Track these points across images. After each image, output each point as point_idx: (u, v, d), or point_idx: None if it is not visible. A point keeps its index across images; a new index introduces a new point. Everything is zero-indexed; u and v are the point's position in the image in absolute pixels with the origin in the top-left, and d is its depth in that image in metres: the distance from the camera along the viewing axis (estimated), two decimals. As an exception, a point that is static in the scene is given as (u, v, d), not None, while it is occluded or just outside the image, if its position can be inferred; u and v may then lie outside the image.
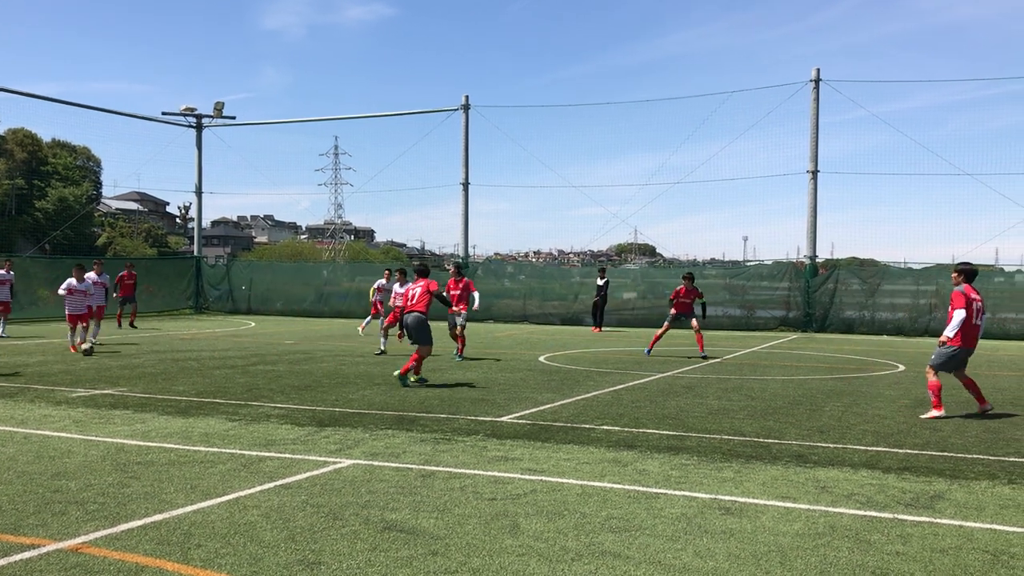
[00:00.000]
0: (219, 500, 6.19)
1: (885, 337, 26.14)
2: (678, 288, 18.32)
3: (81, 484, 6.62)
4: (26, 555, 4.93)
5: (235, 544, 5.18)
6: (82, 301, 17.95)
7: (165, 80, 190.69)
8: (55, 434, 8.71)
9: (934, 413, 10.34)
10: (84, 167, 69.84)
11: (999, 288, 28.46)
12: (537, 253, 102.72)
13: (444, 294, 14.01)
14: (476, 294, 17.72)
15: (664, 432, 9.17)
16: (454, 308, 15.96)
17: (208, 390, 12.11)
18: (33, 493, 6.33)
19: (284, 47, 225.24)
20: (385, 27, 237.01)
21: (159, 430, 9.00)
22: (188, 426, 9.27)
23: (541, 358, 17.46)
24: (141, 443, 8.30)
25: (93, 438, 8.52)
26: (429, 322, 13.06)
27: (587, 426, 9.50)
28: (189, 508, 5.97)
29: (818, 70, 28.75)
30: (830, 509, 6.18)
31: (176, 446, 8.17)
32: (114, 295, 25.11)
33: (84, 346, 17.14)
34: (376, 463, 7.50)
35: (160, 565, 4.80)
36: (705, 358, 17.51)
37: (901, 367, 16.62)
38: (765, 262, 32.09)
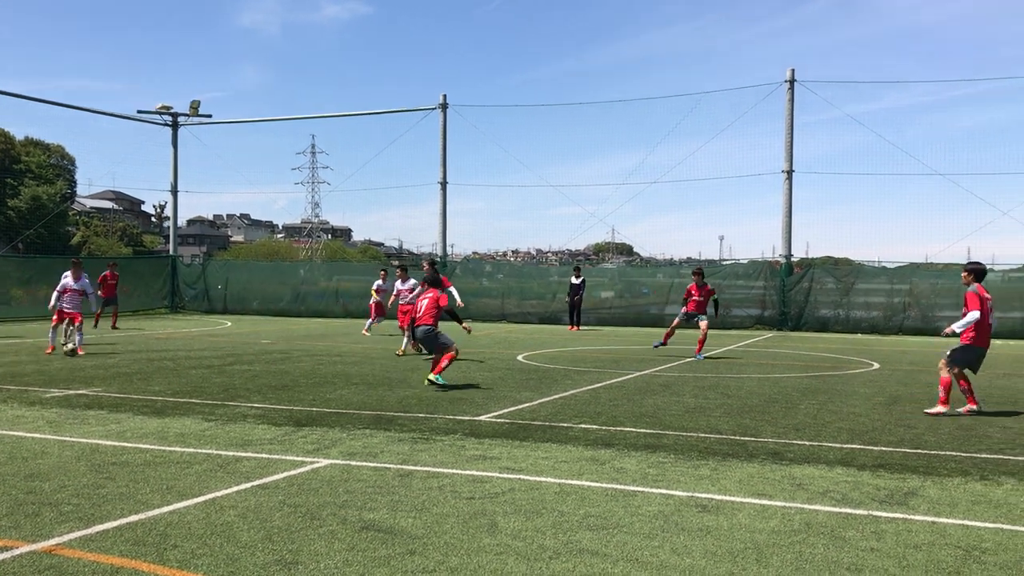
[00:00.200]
0: (195, 500, 6.15)
1: (859, 335, 26.38)
2: (689, 286, 18.10)
3: (55, 485, 6.55)
4: (-1, 557, 4.88)
5: (212, 545, 5.16)
6: (77, 300, 17.61)
7: (140, 78, 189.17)
8: (28, 435, 8.62)
9: (940, 409, 10.46)
10: (58, 165, 69.13)
11: (971, 287, 28.76)
12: (515, 252, 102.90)
13: (453, 303, 13.42)
14: (453, 289, 17.68)
15: (641, 430, 9.21)
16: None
17: (184, 390, 12.02)
18: (6, 495, 6.26)
19: (260, 45, 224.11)
20: (362, 25, 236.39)
21: (134, 430, 8.93)
22: (164, 426, 9.20)
23: (519, 357, 17.47)
24: (116, 443, 8.23)
25: (67, 439, 8.44)
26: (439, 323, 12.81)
27: (565, 425, 9.52)
28: (165, 509, 5.93)
29: (793, 71, 28.98)
30: (806, 506, 6.24)
31: (152, 446, 8.11)
32: (97, 293, 24.72)
33: (68, 346, 16.85)
34: (354, 463, 7.48)
35: (136, 566, 4.76)
36: (698, 359, 17.50)
37: (876, 365, 16.79)
38: (741, 261, 32.31)
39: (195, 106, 37.04)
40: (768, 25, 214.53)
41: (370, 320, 22.41)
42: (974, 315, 10.45)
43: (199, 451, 7.91)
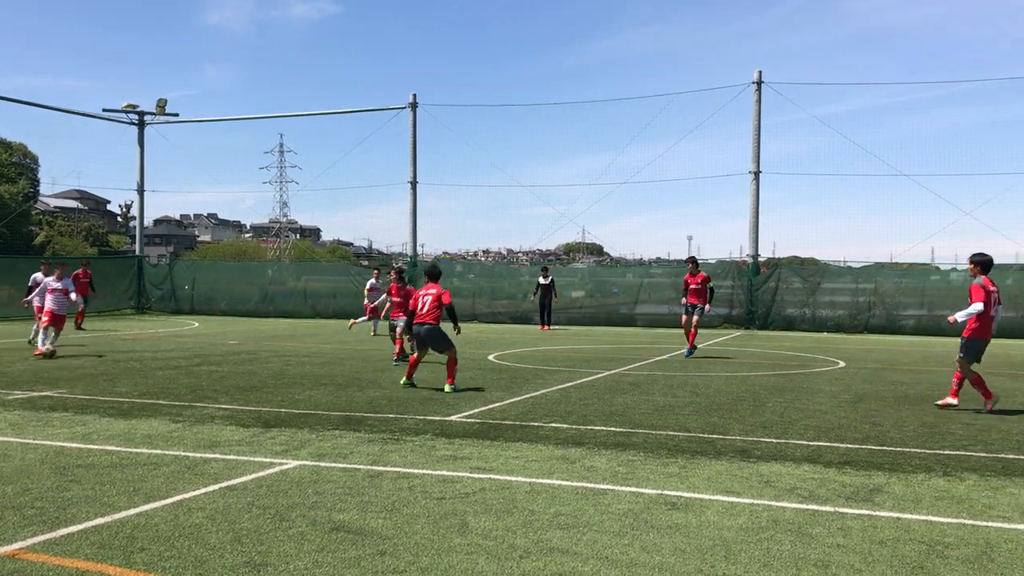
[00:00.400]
0: (163, 503, 6.10)
1: (825, 334, 26.67)
2: (685, 276, 18.26)
3: (18, 488, 6.46)
4: (-39, 562, 4.80)
5: (179, 547, 5.11)
6: (64, 301, 17.31)
7: (106, 76, 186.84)
8: (-9, 438, 8.48)
9: (950, 401, 10.79)
10: (20, 164, 67.99)
11: (935, 286, 29.26)
12: (486, 252, 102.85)
13: (451, 306, 12.47)
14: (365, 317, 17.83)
15: (611, 429, 9.26)
16: (396, 314, 16.04)
17: (151, 391, 11.89)
18: (-32, 498, 6.16)
19: (228, 43, 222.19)
20: (331, 24, 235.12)
21: (100, 432, 8.82)
22: (130, 428, 9.10)
23: (490, 357, 17.47)
24: (81, 446, 8.12)
25: (31, 441, 8.31)
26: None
27: (536, 424, 9.54)
28: (132, 511, 5.87)
29: (760, 72, 29.24)
30: (773, 503, 6.30)
31: (118, 448, 8.02)
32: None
33: (48, 348, 16.54)
34: (323, 464, 7.45)
35: (102, 569, 4.71)
36: (690, 353, 17.64)
37: (841, 363, 16.99)
38: (709, 261, 32.53)
39: (162, 105, 36.66)
40: (739, 26, 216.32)
41: (364, 318, 22.14)
42: (977, 306, 10.59)
43: (166, 453, 7.84)
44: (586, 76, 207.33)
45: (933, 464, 7.70)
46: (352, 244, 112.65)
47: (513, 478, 6.98)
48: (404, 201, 34.02)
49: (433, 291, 12.26)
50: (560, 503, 6.22)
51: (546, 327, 27.69)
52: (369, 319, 21.56)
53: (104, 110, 36.81)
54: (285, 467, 7.29)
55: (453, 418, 9.89)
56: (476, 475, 7.07)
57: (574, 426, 9.43)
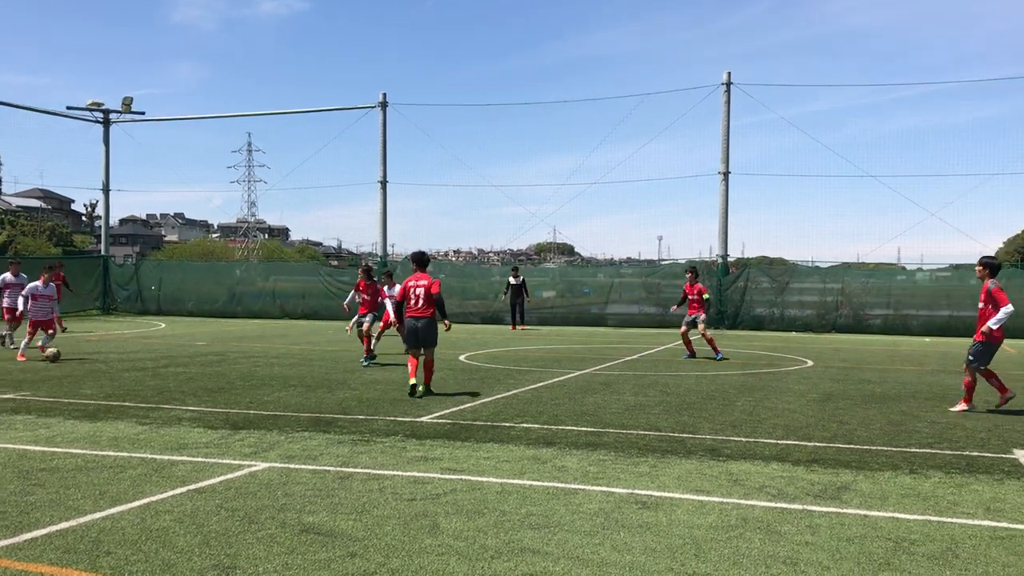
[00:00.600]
0: (129, 506, 6.02)
1: (794, 334, 26.92)
2: (685, 286, 18.18)
3: (-19, 493, 6.35)
4: (-79, 568, 4.71)
5: (146, 551, 5.05)
6: (49, 306, 16.93)
7: (70, 73, 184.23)
8: (-48, 441, 8.32)
9: (964, 407, 10.68)
10: (-19, 162, 66.86)
11: (901, 286, 29.63)
12: (457, 252, 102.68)
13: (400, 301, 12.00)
14: (388, 303, 17.58)
15: (582, 428, 9.27)
16: (363, 310, 15.98)
17: (117, 393, 11.74)
18: (-72, 503, 6.04)
19: (195, 41, 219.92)
20: (300, 22, 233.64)
21: (65, 435, 8.69)
22: (96, 430, 8.97)
23: (461, 357, 17.44)
24: (46, 449, 8.00)
25: (-7, 445, 8.17)
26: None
27: (507, 424, 9.54)
28: (98, 515, 5.78)
29: (729, 74, 29.43)
30: (742, 501, 6.35)
31: (83, 451, 7.90)
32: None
33: (51, 351, 16.09)
34: (292, 465, 7.39)
35: (67, 574, 4.64)
36: (692, 357, 17.64)
37: (809, 362, 17.16)
38: (679, 261, 32.74)
39: (127, 103, 36.20)
40: (710, 28, 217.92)
41: (356, 318, 21.85)
42: (1008, 309, 10.39)
43: (133, 455, 7.74)
44: (558, 76, 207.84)
45: (899, 462, 7.80)
46: (321, 244, 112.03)
47: (484, 479, 6.97)
48: (374, 201, 33.91)
49: (424, 282, 11.71)
50: (531, 503, 6.22)
51: (516, 327, 27.70)
52: (361, 316, 21.28)
53: (68, 108, 36.24)
54: (254, 469, 7.23)
55: (424, 419, 9.86)
56: (447, 476, 7.05)
57: (545, 426, 9.44)
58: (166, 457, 7.67)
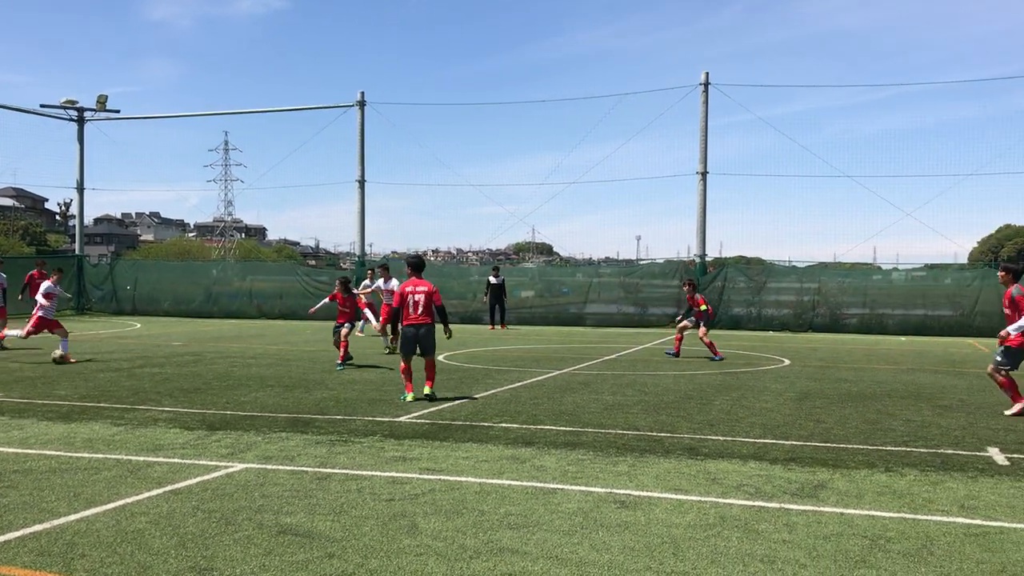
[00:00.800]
0: (104, 508, 5.95)
1: (771, 333, 27.09)
2: (687, 297, 18.28)
3: (-48, 495, 6.26)
4: None
5: (122, 553, 5.00)
6: (51, 306, 16.71)
7: (44, 70, 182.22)
8: (-77, 443, 8.21)
9: (1020, 406, 10.35)
10: (-48, 161, 66.01)
11: (877, 286, 29.91)
12: (436, 252, 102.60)
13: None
14: (369, 312, 17.69)
15: (561, 428, 9.28)
16: (342, 319, 15.88)
17: (91, 394, 11.62)
18: (-102, 506, 5.95)
19: (171, 39, 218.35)
20: (277, 20, 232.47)
21: (38, 436, 8.59)
22: (70, 432, 8.88)
23: (440, 357, 17.38)
24: (19, 450, 7.90)
25: (-35, 446, 8.06)
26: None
27: (485, 424, 9.53)
28: (72, 517, 5.72)
29: (707, 74, 29.59)
30: (720, 500, 6.37)
31: (57, 453, 7.81)
32: (19, 297, 23.44)
33: (57, 353, 15.80)
34: (270, 466, 7.35)
35: (40, 578, 4.58)
36: (675, 356, 17.71)
37: (787, 361, 17.27)
38: (657, 261, 32.89)
39: (102, 101, 35.85)
40: (689, 28, 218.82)
41: (361, 323, 21.69)
42: None
43: (108, 457, 7.66)
44: (538, 76, 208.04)
45: (875, 460, 7.86)
46: (299, 243, 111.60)
47: (463, 478, 6.96)
48: (352, 200, 33.78)
49: (423, 288, 11.36)
50: (510, 503, 6.21)
51: (495, 327, 27.70)
52: (365, 320, 21.15)
53: (42, 105, 35.84)
54: (231, 470, 7.18)
55: (402, 419, 9.83)
56: (425, 476, 7.04)
57: (524, 426, 9.43)
58: (142, 458, 7.60)
